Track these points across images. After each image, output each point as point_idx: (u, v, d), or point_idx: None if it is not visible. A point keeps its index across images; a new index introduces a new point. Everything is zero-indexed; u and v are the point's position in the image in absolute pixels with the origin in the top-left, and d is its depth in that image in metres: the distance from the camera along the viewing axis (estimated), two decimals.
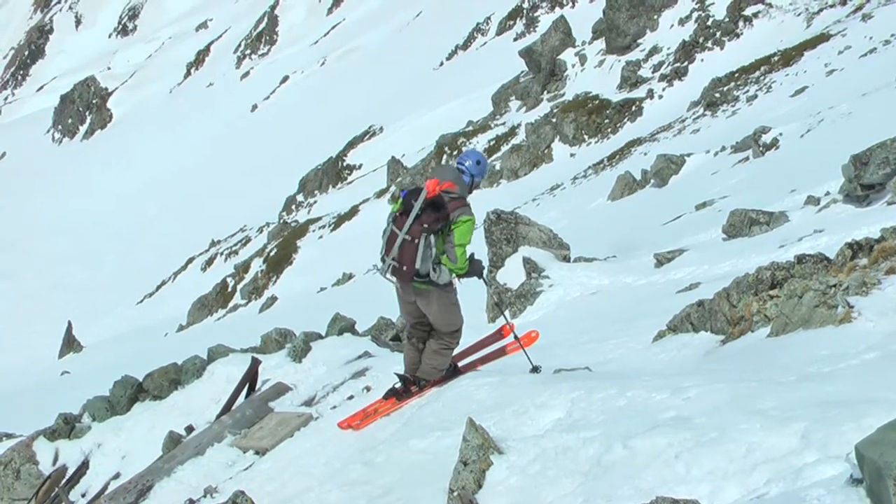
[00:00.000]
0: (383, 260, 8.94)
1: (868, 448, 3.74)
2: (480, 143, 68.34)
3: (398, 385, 9.63)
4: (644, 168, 36.17)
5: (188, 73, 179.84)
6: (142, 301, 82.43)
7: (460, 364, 10.12)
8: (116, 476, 11.77)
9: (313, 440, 9.59)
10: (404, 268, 8.75)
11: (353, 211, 68.74)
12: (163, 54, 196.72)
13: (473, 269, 9.18)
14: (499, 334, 10.90)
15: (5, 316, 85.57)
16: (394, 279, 8.99)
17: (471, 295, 9.76)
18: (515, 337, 9.92)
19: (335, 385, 11.10)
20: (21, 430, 15.24)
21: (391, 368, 10.41)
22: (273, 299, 56.48)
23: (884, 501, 3.60)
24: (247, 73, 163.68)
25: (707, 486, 4.91)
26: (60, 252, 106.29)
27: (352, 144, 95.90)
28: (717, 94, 48.55)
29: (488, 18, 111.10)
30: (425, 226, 8.66)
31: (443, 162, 68.10)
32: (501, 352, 10.38)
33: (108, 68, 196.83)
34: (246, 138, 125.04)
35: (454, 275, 9.11)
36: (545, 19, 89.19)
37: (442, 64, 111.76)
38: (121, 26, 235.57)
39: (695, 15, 64.32)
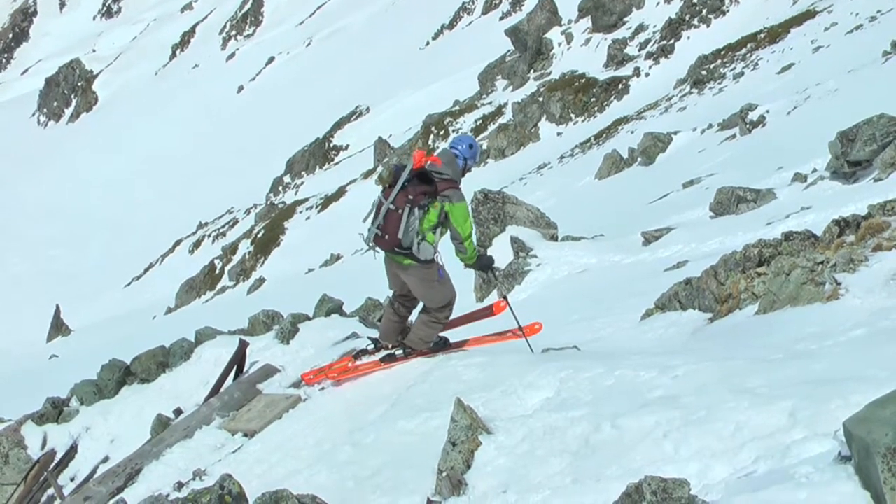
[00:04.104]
0: (370, 228, 9.11)
1: (856, 425, 3.73)
2: (467, 122, 68.30)
3: (398, 352, 9.85)
4: (631, 146, 36.18)
5: (173, 55, 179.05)
6: (129, 284, 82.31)
7: (455, 342, 10.18)
8: (105, 460, 11.73)
9: (302, 422, 9.57)
10: (386, 237, 8.97)
11: (341, 192, 68.67)
12: (147, 36, 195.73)
13: (481, 262, 9.55)
14: (489, 311, 10.94)
15: None
16: (376, 247, 9.19)
17: (460, 276, 9.75)
18: (519, 327, 9.87)
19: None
20: (9, 415, 15.18)
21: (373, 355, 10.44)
22: (261, 281, 56.50)
23: (872, 478, 3.60)
24: (232, 55, 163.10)
25: (695, 464, 4.90)
26: (47, 236, 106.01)
27: (338, 125, 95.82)
28: (704, 72, 48.53)
29: None
30: (410, 197, 8.85)
31: (429, 142, 68.13)
32: (501, 337, 10.32)
33: (93, 51, 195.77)
34: (232, 120, 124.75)
35: (463, 264, 9.54)
36: None
37: (428, 44, 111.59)
38: (105, 8, 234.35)
39: None
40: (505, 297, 10.60)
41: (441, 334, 10.00)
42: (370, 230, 9.09)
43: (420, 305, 9.88)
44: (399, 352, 9.84)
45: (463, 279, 9.91)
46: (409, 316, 10.16)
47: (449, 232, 9.13)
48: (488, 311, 10.96)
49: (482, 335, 10.42)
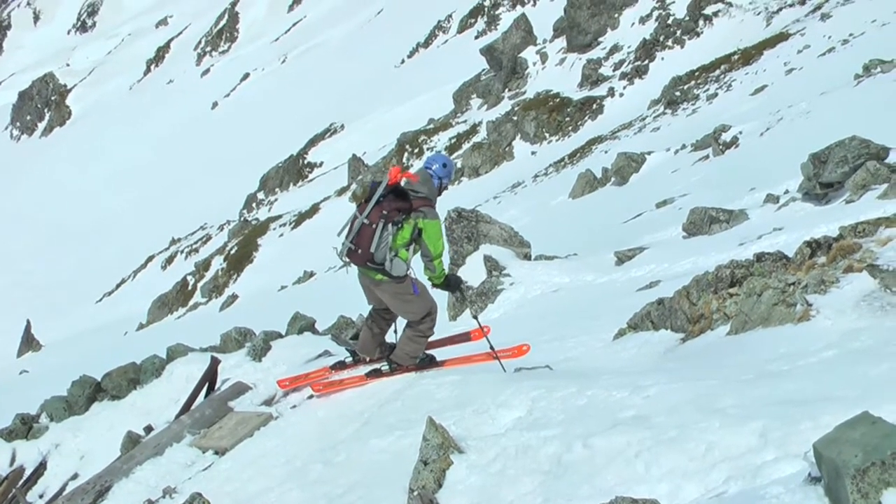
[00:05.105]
0: (343, 243, 9.16)
1: (826, 446, 3.75)
2: (442, 140, 68.42)
3: (384, 367, 9.83)
4: (605, 166, 36.31)
5: (148, 70, 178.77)
6: (101, 299, 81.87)
7: (441, 360, 10.16)
8: (74, 477, 11.66)
9: (273, 440, 9.54)
10: (359, 251, 9.02)
11: (314, 209, 68.64)
12: (122, 51, 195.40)
13: (449, 282, 9.52)
14: (467, 337, 10.96)
15: None
16: (348, 261, 9.23)
17: (434, 293, 9.75)
18: (491, 349, 9.80)
19: None
20: None
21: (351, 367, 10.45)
22: (233, 297, 56.31)
23: (841, 500, 3.61)
24: (207, 71, 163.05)
25: (666, 485, 4.91)
26: (20, 250, 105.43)
27: (313, 142, 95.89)
28: (678, 93, 48.79)
29: (449, 16, 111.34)
30: (384, 212, 8.90)
31: (404, 160, 68.25)
32: (488, 356, 10.22)
33: (67, 65, 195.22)
34: (206, 136, 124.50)
35: (430, 283, 9.49)
36: (506, 17, 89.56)
37: (403, 62, 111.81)
38: (80, 22, 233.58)
39: (655, 13, 64.72)
40: (481, 327, 10.53)
41: (428, 352, 10.01)
42: (344, 244, 9.12)
43: (400, 320, 9.91)
44: (385, 367, 9.81)
45: (435, 296, 9.91)
46: (387, 329, 10.21)
47: (420, 249, 9.15)
48: (466, 338, 10.99)
49: (470, 354, 10.40)
